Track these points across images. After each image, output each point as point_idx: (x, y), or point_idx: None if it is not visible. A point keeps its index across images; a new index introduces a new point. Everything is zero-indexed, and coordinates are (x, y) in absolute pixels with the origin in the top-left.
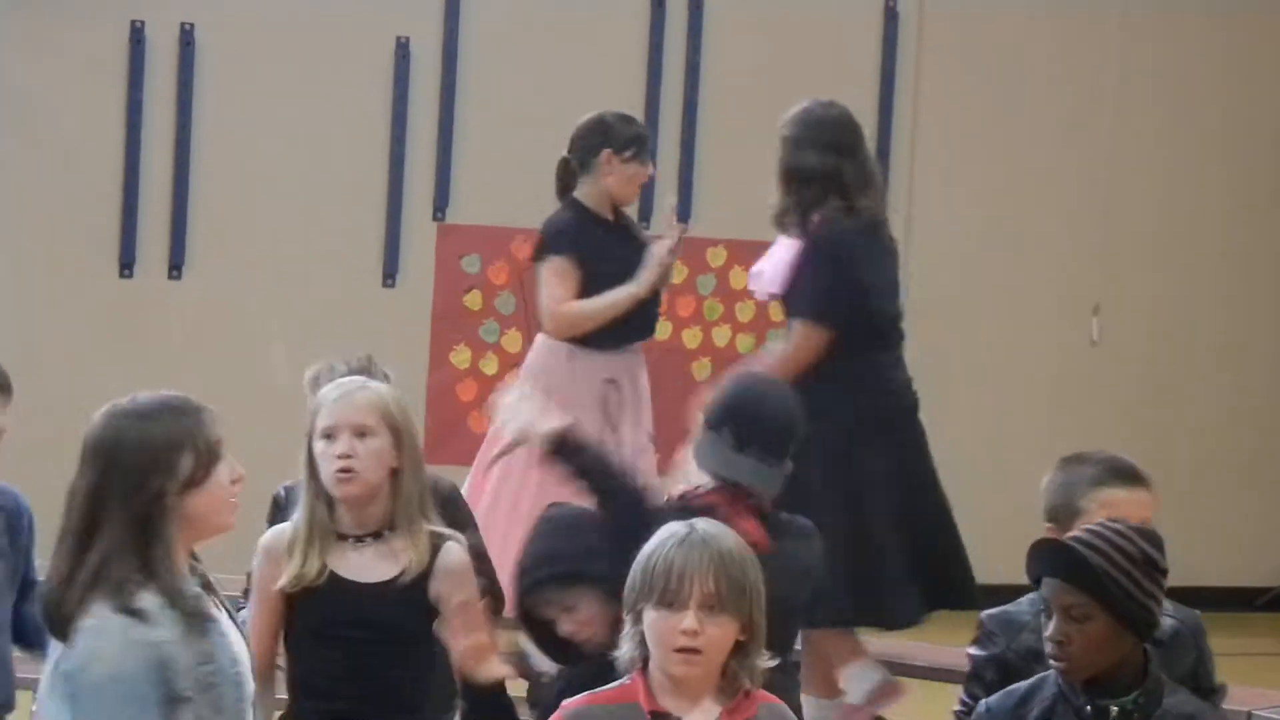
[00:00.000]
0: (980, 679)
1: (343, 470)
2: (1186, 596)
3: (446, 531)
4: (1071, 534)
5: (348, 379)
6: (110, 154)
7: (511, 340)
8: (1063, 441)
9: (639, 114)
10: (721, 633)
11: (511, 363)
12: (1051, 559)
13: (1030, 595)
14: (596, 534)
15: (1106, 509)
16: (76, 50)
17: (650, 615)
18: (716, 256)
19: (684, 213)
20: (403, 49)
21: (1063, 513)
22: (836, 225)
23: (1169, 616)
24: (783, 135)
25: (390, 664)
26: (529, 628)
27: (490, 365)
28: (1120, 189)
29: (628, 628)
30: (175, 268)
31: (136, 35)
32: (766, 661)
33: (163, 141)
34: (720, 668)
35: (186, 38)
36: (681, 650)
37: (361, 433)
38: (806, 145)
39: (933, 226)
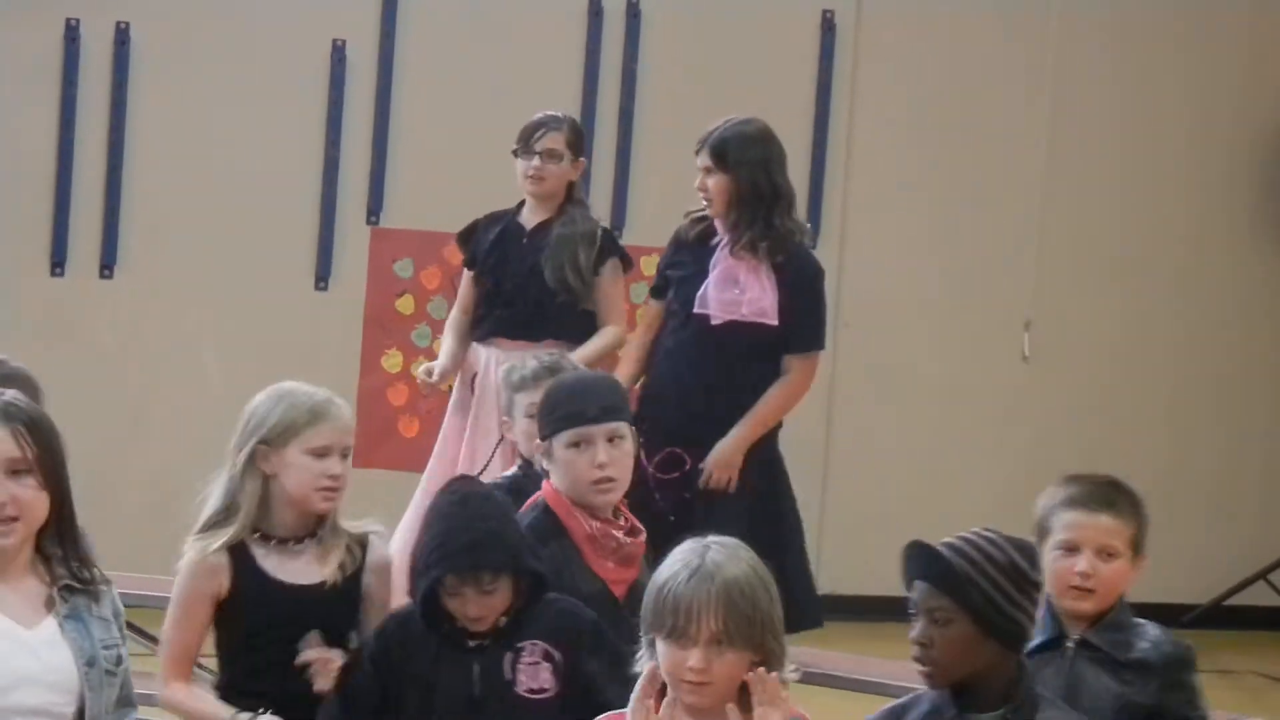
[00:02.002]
0: None
1: (331, 490)
2: None
3: (366, 526)
4: (945, 539)
5: (309, 388)
6: (43, 152)
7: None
8: (993, 456)
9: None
10: (732, 664)
11: None
12: (918, 561)
13: None
14: (512, 519)
15: (1065, 531)
16: (10, 48)
17: (661, 646)
18: (650, 265)
19: (619, 220)
20: (339, 52)
21: (1039, 529)
22: (808, 250)
23: (1148, 642)
24: (749, 157)
25: None
26: (428, 608)
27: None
28: (1055, 202)
29: (644, 647)
30: (107, 267)
31: (71, 34)
32: (789, 675)
33: (96, 140)
34: (738, 687)
35: (121, 37)
36: (690, 683)
37: (345, 453)
38: (775, 166)
39: (866, 238)
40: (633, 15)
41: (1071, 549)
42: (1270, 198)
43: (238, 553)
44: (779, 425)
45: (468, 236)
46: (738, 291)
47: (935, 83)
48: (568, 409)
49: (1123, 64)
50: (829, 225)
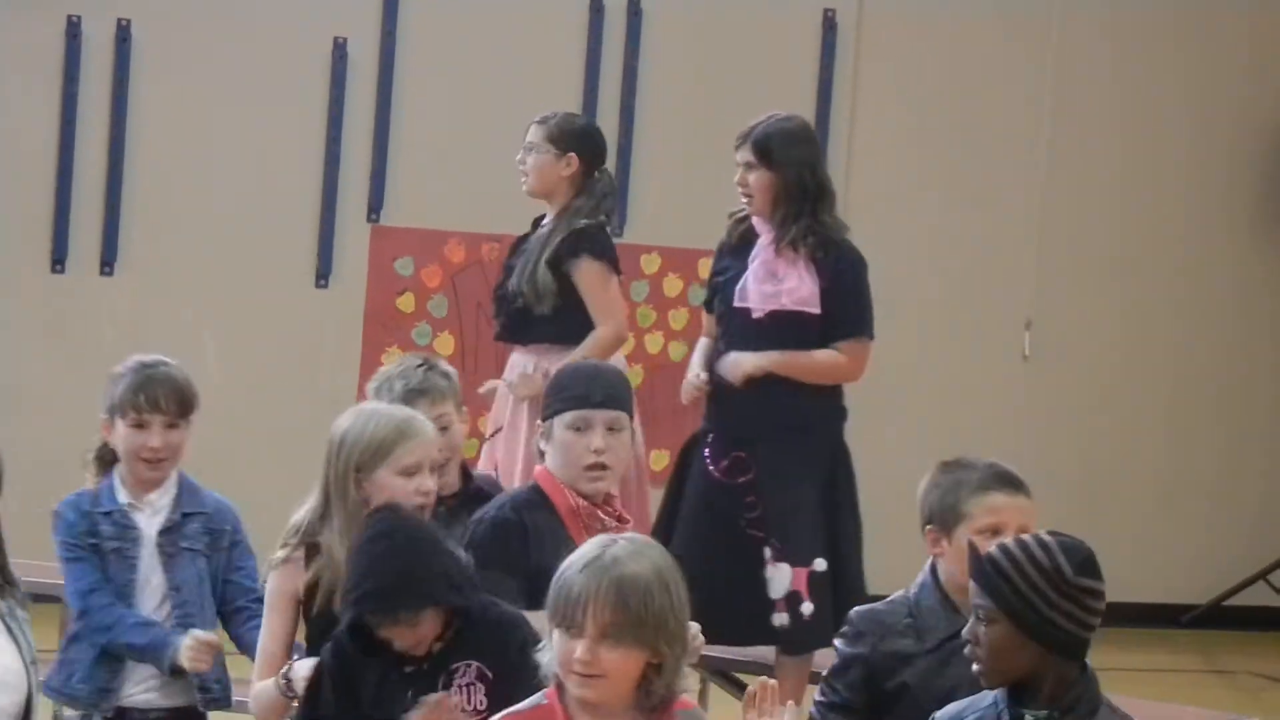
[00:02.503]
0: (844, 675)
1: (422, 507)
2: (1113, 612)
3: None
4: (1005, 541)
5: (389, 408)
6: (44, 149)
7: (444, 343)
8: (993, 455)
9: None
10: (622, 659)
11: None
12: (972, 564)
13: (899, 596)
14: (441, 552)
15: (991, 514)
16: (12, 45)
17: (555, 635)
18: (650, 263)
19: (620, 218)
20: (340, 50)
21: (947, 516)
22: (851, 244)
23: None
24: (794, 154)
25: None
26: (362, 635)
27: None
28: (1056, 202)
29: (546, 642)
30: (107, 264)
31: (73, 30)
32: (685, 676)
33: (97, 137)
34: (634, 685)
35: (123, 34)
36: (579, 674)
37: (434, 468)
38: (818, 163)
39: (867, 237)
40: (634, 13)
41: (996, 532)
42: (1270, 198)
43: (313, 553)
44: (843, 417)
45: None
46: (777, 282)
47: (936, 82)
48: (572, 391)
49: (1123, 64)
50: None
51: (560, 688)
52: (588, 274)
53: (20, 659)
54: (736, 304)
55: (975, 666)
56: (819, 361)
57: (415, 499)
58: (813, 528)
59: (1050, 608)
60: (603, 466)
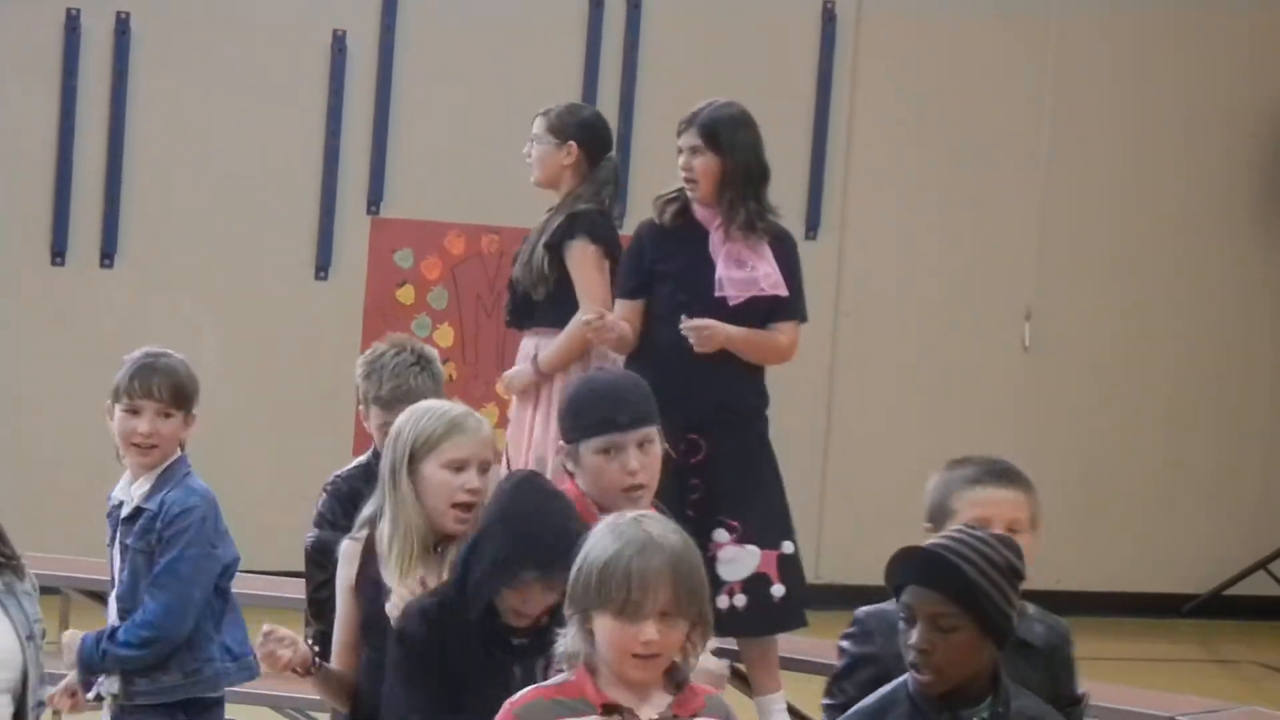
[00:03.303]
0: (854, 675)
1: (468, 505)
2: (1115, 602)
3: None
4: (934, 540)
5: (448, 405)
6: (44, 142)
7: (443, 335)
8: (994, 446)
9: None
10: (677, 636)
11: (443, 357)
12: (922, 567)
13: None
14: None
15: (977, 508)
16: (11, 38)
17: (607, 623)
18: None
19: (619, 208)
20: (339, 43)
21: (938, 513)
22: (783, 227)
23: (1040, 623)
24: (741, 139)
25: None
26: (478, 610)
27: None
28: (1056, 195)
29: (573, 625)
30: (107, 256)
31: (72, 24)
32: (705, 650)
33: (96, 130)
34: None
35: (122, 27)
36: (639, 656)
37: (485, 467)
38: (761, 147)
39: (867, 229)
40: (633, 6)
41: (983, 525)
42: (1269, 192)
43: (369, 551)
44: (766, 413)
45: None
46: (749, 270)
47: (936, 75)
48: (598, 415)
49: (1123, 58)
50: (829, 216)
51: (585, 665)
52: (576, 254)
53: (15, 635)
54: (717, 294)
55: (925, 677)
56: (773, 342)
57: (460, 496)
58: (778, 509)
59: (1009, 605)
60: (640, 486)
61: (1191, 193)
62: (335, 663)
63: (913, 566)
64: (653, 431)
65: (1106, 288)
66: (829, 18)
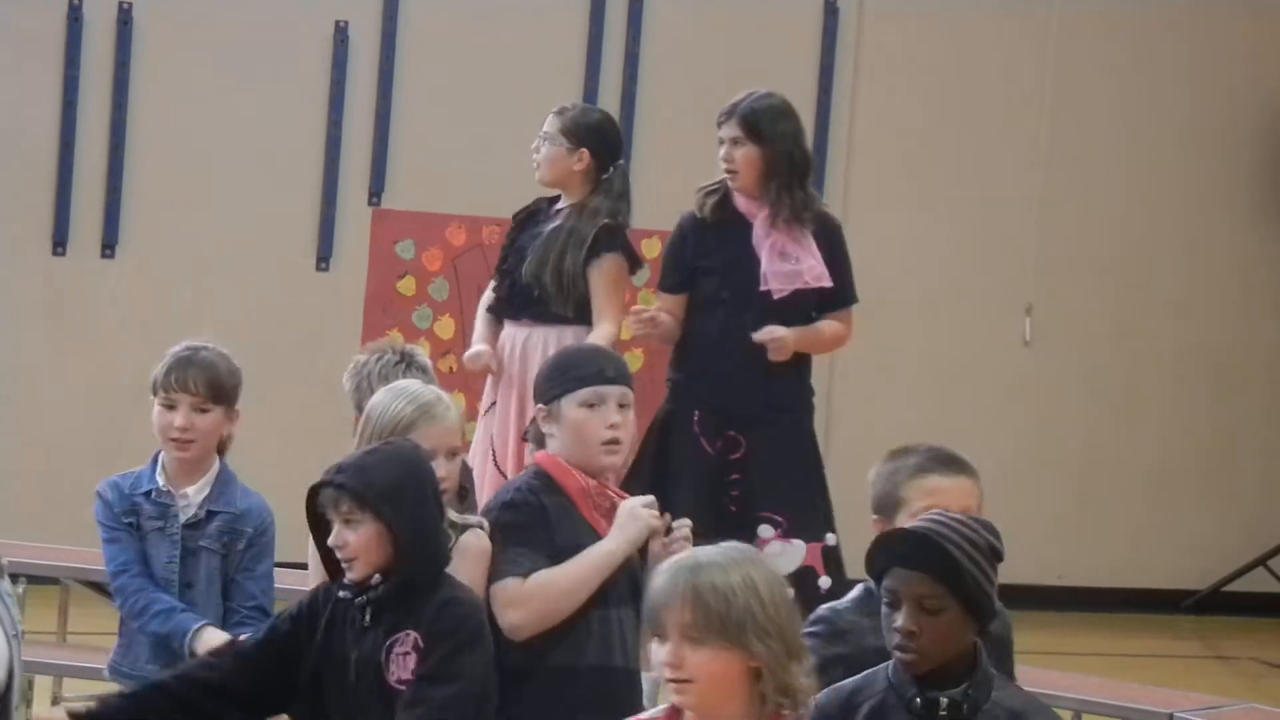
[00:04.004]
0: (824, 676)
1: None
2: (1114, 598)
3: (470, 520)
4: (917, 524)
5: (420, 388)
6: (46, 133)
7: (444, 327)
8: (994, 440)
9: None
10: (708, 662)
11: (443, 349)
12: (908, 549)
13: (861, 591)
14: (425, 490)
15: (929, 496)
16: (13, 28)
17: (651, 645)
18: (651, 248)
19: None
20: (341, 33)
21: (886, 502)
22: (829, 212)
23: None
24: (782, 129)
25: None
26: (312, 522)
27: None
28: (1056, 188)
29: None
30: (108, 247)
31: (74, 14)
32: (804, 681)
33: (98, 121)
34: (740, 690)
35: (124, 18)
36: (670, 680)
37: (451, 454)
38: (803, 137)
39: (868, 222)
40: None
41: None
42: (1269, 188)
43: None
44: (812, 405)
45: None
46: (793, 263)
47: (937, 69)
48: (583, 370)
49: (1124, 50)
50: (831, 209)
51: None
52: (612, 269)
53: (2, 632)
54: (761, 288)
55: (908, 656)
56: (831, 333)
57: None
58: (821, 502)
59: (990, 585)
60: (618, 441)
61: (1192, 188)
62: None
63: (898, 550)
64: (631, 395)
65: (1107, 283)
66: (831, 12)
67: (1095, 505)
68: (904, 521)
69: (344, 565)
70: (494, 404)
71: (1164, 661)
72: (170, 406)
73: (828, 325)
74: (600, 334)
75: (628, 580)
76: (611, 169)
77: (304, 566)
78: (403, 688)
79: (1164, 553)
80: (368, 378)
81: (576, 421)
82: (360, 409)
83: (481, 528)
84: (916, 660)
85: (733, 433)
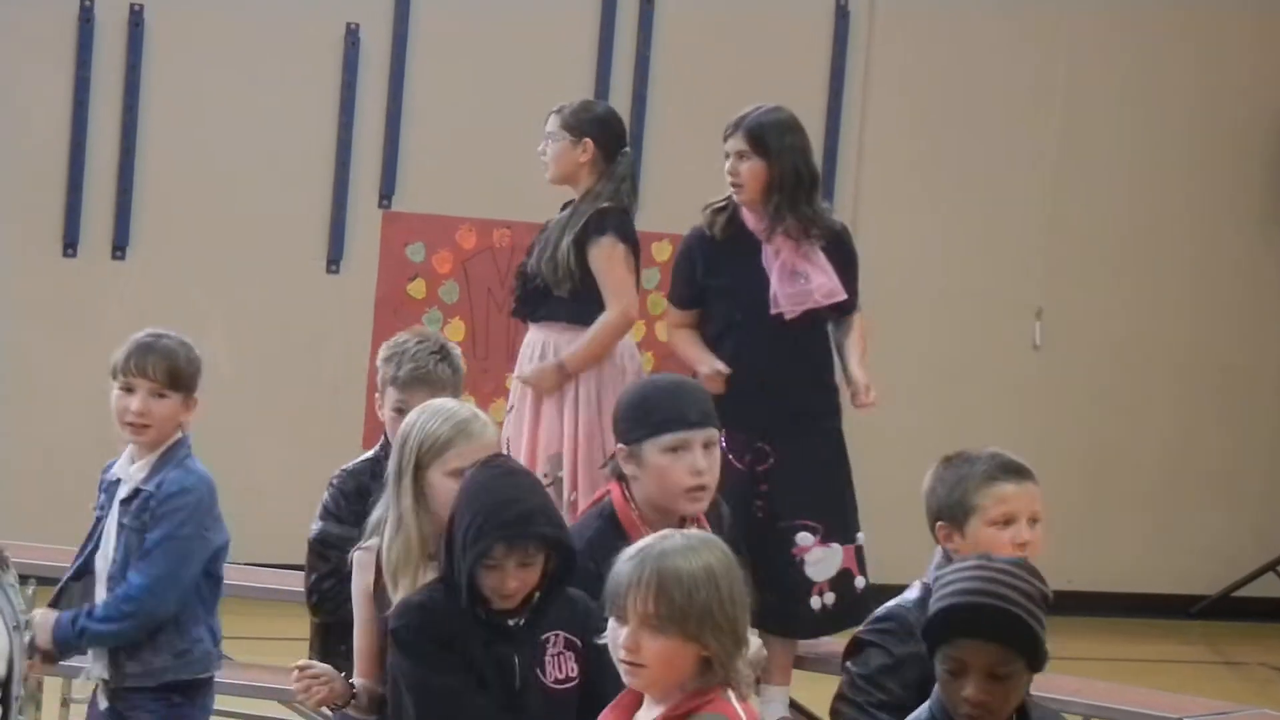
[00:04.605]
0: (898, 674)
1: None
2: (1123, 603)
3: None
4: (972, 588)
5: (455, 405)
6: (56, 134)
7: (454, 330)
8: (1003, 444)
9: None
10: (663, 650)
11: None
12: (980, 621)
13: (919, 592)
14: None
15: (1003, 505)
16: (25, 30)
17: (610, 623)
18: (662, 251)
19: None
20: (352, 35)
21: (956, 510)
22: (838, 220)
23: None
24: (788, 143)
25: None
26: (466, 597)
27: None
28: (1066, 192)
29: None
30: (119, 248)
31: (85, 15)
32: (745, 672)
33: (109, 123)
34: (682, 678)
35: (135, 19)
36: (623, 662)
37: None
38: (810, 152)
39: (879, 226)
40: (646, 2)
41: (1008, 521)
42: (1278, 189)
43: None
44: (838, 405)
45: None
46: (804, 282)
47: (948, 72)
48: (667, 413)
49: (1133, 56)
50: (841, 213)
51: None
52: (605, 251)
53: (3, 625)
54: (772, 311)
55: None
56: (859, 335)
57: None
58: (851, 504)
59: (1044, 632)
60: (703, 487)
61: (1201, 191)
62: (358, 671)
63: (965, 621)
64: (716, 434)
65: (1116, 286)
66: (842, 14)
67: (1104, 509)
68: (976, 528)
69: (504, 601)
70: (513, 407)
71: (1173, 667)
72: (128, 390)
73: (858, 335)
74: (608, 318)
75: None
76: (619, 156)
77: (300, 568)
78: (563, 686)
79: (1173, 557)
80: (401, 354)
81: (660, 468)
82: (385, 384)
83: None
84: None
85: (761, 445)
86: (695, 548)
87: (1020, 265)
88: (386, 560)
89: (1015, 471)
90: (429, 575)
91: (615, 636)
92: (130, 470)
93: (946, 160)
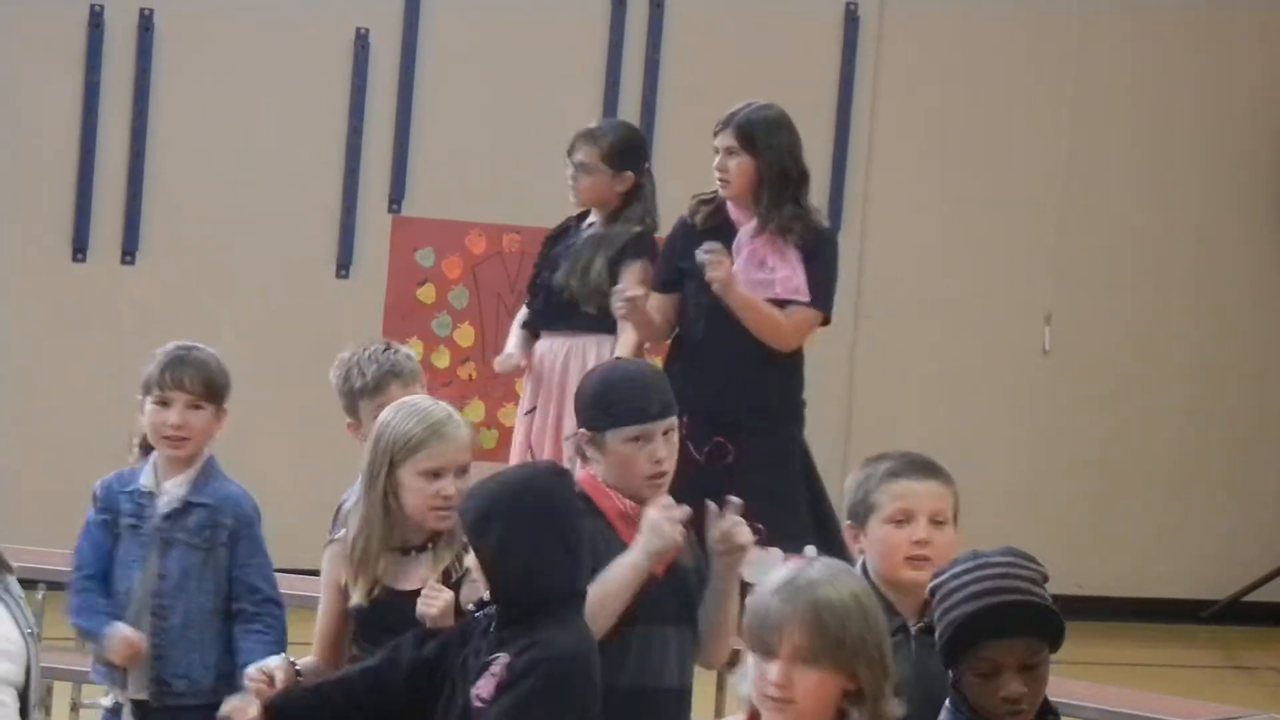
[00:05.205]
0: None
1: (446, 509)
2: (1132, 607)
3: None
4: (994, 585)
5: (430, 404)
6: (66, 138)
7: (464, 334)
8: (1013, 449)
9: (597, 112)
10: (816, 684)
11: (463, 357)
12: (1011, 619)
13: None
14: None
15: (900, 501)
16: (34, 34)
17: (751, 661)
18: None
19: None
20: (362, 40)
21: (859, 509)
22: (828, 226)
23: None
24: (777, 141)
25: None
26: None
27: (442, 359)
28: (1075, 197)
29: (746, 669)
30: (128, 253)
31: (95, 19)
32: (895, 709)
33: (119, 127)
34: (834, 715)
35: (145, 23)
36: (772, 699)
37: (463, 471)
38: (799, 150)
39: (888, 231)
40: (655, 5)
41: (906, 519)
42: None
43: None
44: (802, 417)
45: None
46: (768, 272)
47: (957, 76)
48: (629, 404)
49: (1142, 60)
50: (850, 218)
51: (755, 716)
52: (638, 275)
53: (19, 630)
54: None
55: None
56: (768, 315)
57: (435, 502)
58: (801, 515)
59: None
60: (664, 474)
61: (1210, 196)
62: (317, 655)
63: (990, 624)
64: (674, 421)
65: (1126, 291)
66: (851, 18)
67: (1114, 514)
68: (876, 527)
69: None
70: (533, 409)
71: (1183, 671)
72: (164, 404)
73: (770, 308)
74: (626, 340)
75: (676, 598)
76: (646, 174)
77: (311, 572)
78: (479, 704)
79: (1183, 562)
80: (354, 366)
81: (621, 456)
82: (356, 400)
83: None
84: (1026, 716)
85: (721, 439)
86: (839, 576)
87: (1029, 270)
88: (349, 552)
89: (919, 469)
90: (392, 569)
91: (761, 673)
92: (168, 484)
93: (955, 164)
